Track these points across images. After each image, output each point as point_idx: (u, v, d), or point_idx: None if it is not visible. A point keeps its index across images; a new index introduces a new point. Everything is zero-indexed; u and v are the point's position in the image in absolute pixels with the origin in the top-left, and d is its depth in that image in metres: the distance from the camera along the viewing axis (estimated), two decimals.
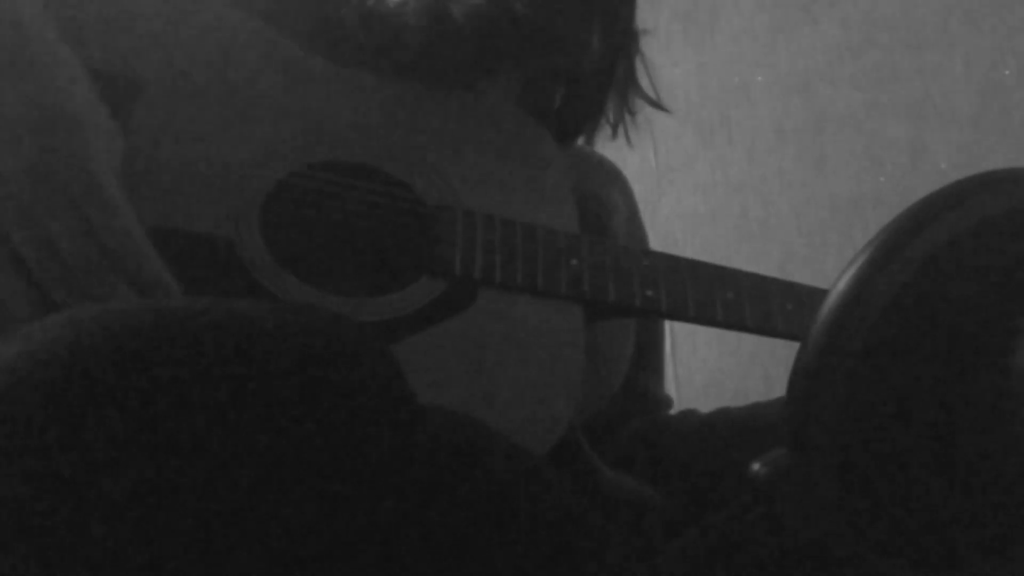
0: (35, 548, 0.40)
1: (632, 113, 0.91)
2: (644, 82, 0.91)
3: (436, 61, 0.77)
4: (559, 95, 0.86)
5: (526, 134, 0.79)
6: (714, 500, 0.72)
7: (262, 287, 0.64)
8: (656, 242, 0.99)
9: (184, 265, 0.63)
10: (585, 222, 0.77)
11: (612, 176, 0.96)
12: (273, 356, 0.44)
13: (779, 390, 0.47)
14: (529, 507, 0.50)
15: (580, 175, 0.86)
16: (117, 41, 0.71)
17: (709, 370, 1.76)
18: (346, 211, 0.70)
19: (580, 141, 0.93)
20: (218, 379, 0.43)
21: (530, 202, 0.75)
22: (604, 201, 0.89)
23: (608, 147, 0.94)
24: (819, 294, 0.73)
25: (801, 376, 0.44)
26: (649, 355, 0.93)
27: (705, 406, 0.92)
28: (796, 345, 0.46)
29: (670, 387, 0.98)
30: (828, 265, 1.70)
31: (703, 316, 0.72)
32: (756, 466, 0.45)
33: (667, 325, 1.01)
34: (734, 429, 0.82)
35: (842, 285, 0.45)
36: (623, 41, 0.87)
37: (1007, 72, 1.68)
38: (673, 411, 0.96)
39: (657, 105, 0.92)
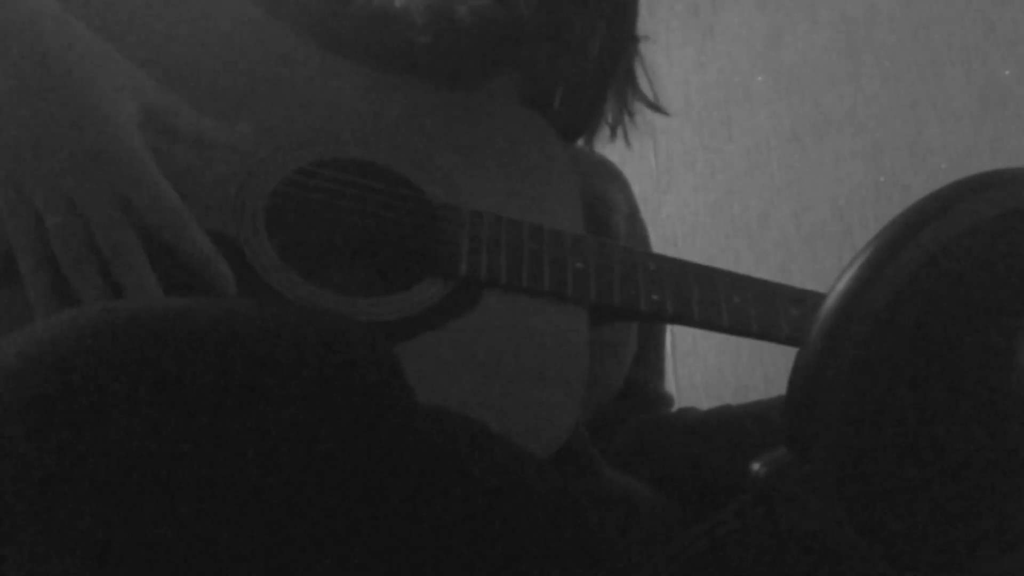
0: (35, 548, 0.40)
1: (631, 115, 0.91)
2: (643, 84, 0.91)
3: (442, 60, 0.77)
4: (558, 95, 0.86)
5: (533, 133, 0.79)
6: (714, 500, 0.72)
7: (267, 286, 0.63)
8: (656, 242, 0.99)
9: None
10: (588, 220, 0.77)
11: (612, 175, 0.96)
12: (273, 357, 0.44)
13: (779, 390, 0.47)
14: (530, 507, 0.50)
15: (581, 175, 0.86)
16: (119, 37, 0.70)
17: (709, 370, 1.76)
18: (352, 210, 0.70)
19: (579, 142, 0.93)
20: (218, 379, 0.43)
21: (536, 202, 0.74)
22: (605, 201, 0.90)
23: (608, 147, 0.94)
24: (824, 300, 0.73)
25: (801, 376, 0.44)
26: (650, 353, 0.93)
27: (705, 406, 0.92)
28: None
29: (670, 386, 0.98)
30: (828, 265, 1.71)
31: (708, 321, 0.72)
32: (756, 466, 0.45)
33: (665, 324, 1.01)
34: (734, 428, 0.82)
35: (842, 285, 0.45)
36: (625, 43, 0.87)
37: (1007, 72, 1.68)
38: (673, 410, 0.96)
39: (656, 107, 0.92)
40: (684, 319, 0.72)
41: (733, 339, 0.74)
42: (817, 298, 0.75)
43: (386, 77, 0.77)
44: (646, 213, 0.99)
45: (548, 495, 0.52)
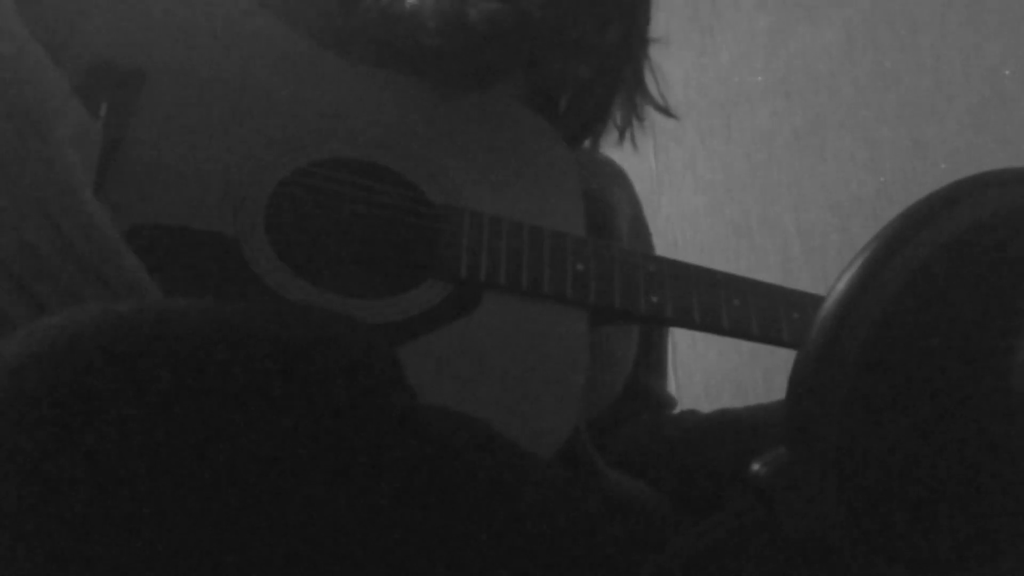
0: (34, 547, 0.40)
1: (640, 119, 0.91)
2: (652, 88, 0.91)
3: (451, 63, 0.77)
4: (565, 98, 0.86)
5: (536, 135, 0.79)
6: (714, 500, 0.72)
7: (266, 286, 0.63)
8: (656, 242, 0.99)
9: (187, 263, 0.63)
10: (590, 222, 0.77)
11: (616, 176, 0.95)
12: (274, 357, 0.44)
13: (779, 390, 0.47)
14: (531, 507, 0.50)
15: (584, 175, 0.86)
16: (122, 30, 0.70)
17: (709, 370, 1.76)
18: (352, 210, 0.70)
19: (586, 144, 0.93)
20: (217, 380, 0.43)
21: (538, 204, 0.74)
22: (608, 202, 0.89)
23: (608, 147, 0.94)
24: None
25: (801, 377, 0.44)
26: (652, 356, 0.93)
27: (705, 406, 0.92)
28: None
29: (670, 387, 0.98)
30: (828, 265, 1.70)
31: (709, 324, 0.72)
32: (756, 466, 0.45)
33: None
34: (734, 429, 0.82)
35: (842, 286, 0.45)
36: (635, 47, 0.87)
37: (1007, 72, 1.68)
38: (674, 412, 0.96)
39: (666, 111, 0.91)
40: (684, 322, 0.72)
41: (733, 341, 0.74)
42: (818, 302, 0.75)
43: (388, 78, 0.77)
44: (646, 213, 0.99)
45: (550, 495, 0.52)
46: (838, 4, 1.86)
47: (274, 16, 0.75)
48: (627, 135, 0.91)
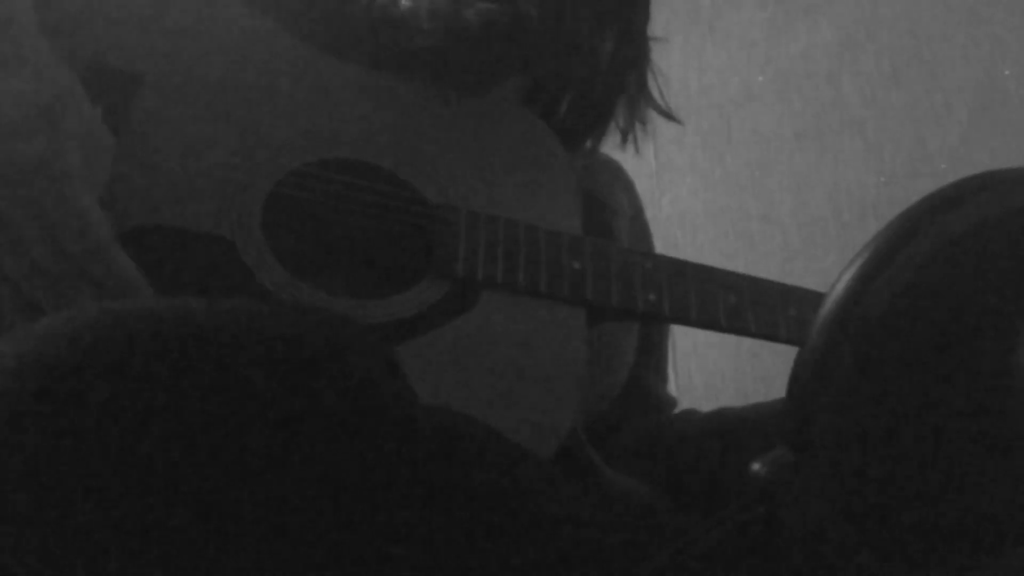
0: (34, 546, 0.40)
1: (643, 123, 0.90)
2: (655, 91, 0.91)
3: (448, 65, 0.77)
4: (566, 101, 0.86)
5: (533, 136, 0.79)
6: (714, 500, 0.72)
7: (263, 287, 0.63)
8: (656, 242, 0.99)
9: (185, 264, 0.63)
10: (588, 223, 0.77)
11: (616, 176, 0.95)
12: (272, 357, 0.44)
13: (779, 390, 0.47)
14: (530, 507, 0.50)
15: (584, 175, 0.86)
16: (118, 33, 0.70)
17: (709, 370, 1.76)
18: (349, 211, 0.70)
19: (587, 145, 0.93)
20: (215, 380, 0.43)
21: (534, 204, 0.74)
22: (607, 202, 0.89)
23: (608, 147, 0.94)
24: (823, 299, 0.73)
25: (801, 376, 0.44)
26: (653, 355, 0.93)
27: (705, 406, 0.92)
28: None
29: (670, 387, 0.98)
30: (828, 265, 1.71)
31: (706, 321, 0.72)
32: (756, 466, 0.45)
33: (669, 325, 1.01)
34: (734, 429, 0.82)
35: (842, 285, 0.45)
36: (635, 49, 0.87)
37: (1007, 72, 1.68)
38: (675, 412, 0.95)
39: (668, 115, 0.91)
40: (681, 319, 0.72)
41: (733, 340, 0.74)
42: (816, 298, 0.75)
43: (384, 79, 0.77)
44: (646, 213, 0.99)
45: (549, 495, 0.52)
46: (838, 3, 1.86)
47: (269, 18, 0.75)
48: (629, 137, 0.91)
